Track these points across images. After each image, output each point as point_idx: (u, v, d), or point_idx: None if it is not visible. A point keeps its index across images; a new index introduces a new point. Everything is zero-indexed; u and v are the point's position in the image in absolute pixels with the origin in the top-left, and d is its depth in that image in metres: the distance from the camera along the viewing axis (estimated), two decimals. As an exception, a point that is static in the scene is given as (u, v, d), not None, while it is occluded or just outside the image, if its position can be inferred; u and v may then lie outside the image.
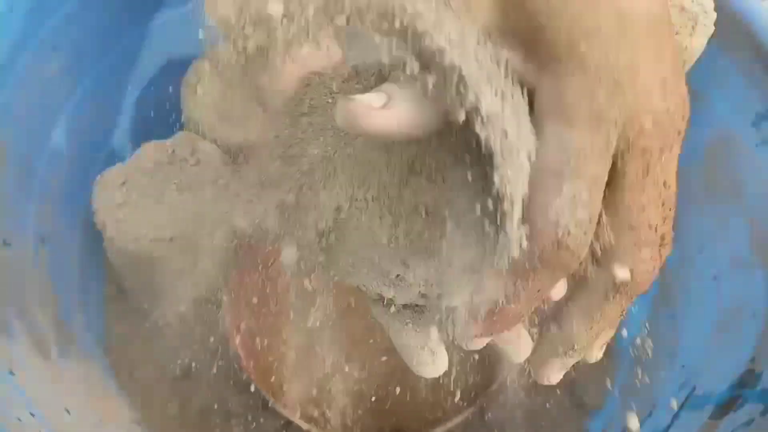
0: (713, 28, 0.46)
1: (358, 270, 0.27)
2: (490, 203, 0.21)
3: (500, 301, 0.23)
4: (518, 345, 0.29)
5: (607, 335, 0.26)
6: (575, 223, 0.21)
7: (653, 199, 0.22)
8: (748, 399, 0.47)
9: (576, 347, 0.25)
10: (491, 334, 0.24)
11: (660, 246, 0.23)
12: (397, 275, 0.26)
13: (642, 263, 0.23)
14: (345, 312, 0.55)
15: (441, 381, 0.56)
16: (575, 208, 0.20)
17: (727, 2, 0.51)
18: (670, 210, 0.23)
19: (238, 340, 0.54)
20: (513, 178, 0.20)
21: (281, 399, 0.54)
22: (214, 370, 0.62)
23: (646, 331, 0.65)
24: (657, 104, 0.21)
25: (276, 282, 0.55)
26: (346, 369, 0.55)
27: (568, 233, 0.21)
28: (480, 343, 0.25)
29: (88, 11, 0.55)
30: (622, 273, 0.23)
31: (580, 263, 0.22)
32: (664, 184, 0.22)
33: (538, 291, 0.22)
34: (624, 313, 0.25)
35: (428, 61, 0.19)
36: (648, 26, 0.21)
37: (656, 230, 0.22)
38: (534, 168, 0.21)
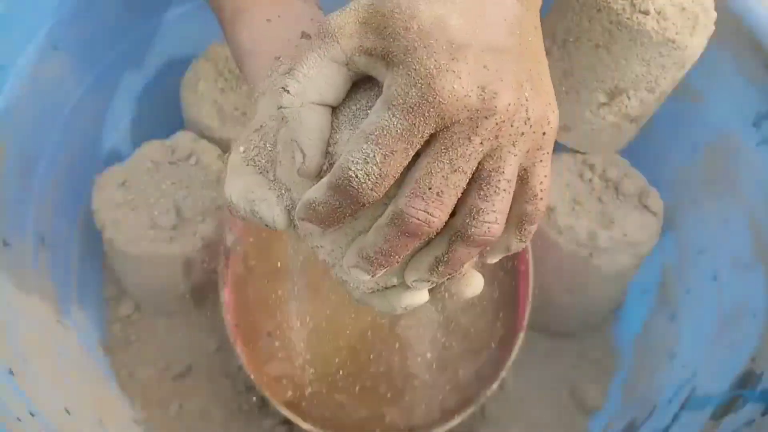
0: (713, 27, 0.46)
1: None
2: None
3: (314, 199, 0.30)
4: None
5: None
6: (365, 173, 0.29)
7: (440, 170, 0.29)
8: (748, 399, 0.47)
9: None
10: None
11: (434, 207, 0.29)
12: None
13: (413, 207, 0.29)
14: (345, 312, 0.56)
15: (442, 381, 0.57)
16: (367, 164, 0.29)
17: (727, 2, 0.52)
18: (455, 188, 0.29)
19: (238, 339, 0.54)
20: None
21: (281, 398, 0.54)
22: (214, 371, 0.62)
23: (646, 332, 0.65)
24: (468, 104, 0.28)
25: (275, 282, 0.55)
26: (348, 369, 0.55)
27: (356, 177, 0.29)
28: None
29: (89, 12, 0.55)
30: (396, 206, 0.30)
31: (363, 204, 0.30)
32: (460, 169, 0.29)
33: (336, 209, 0.30)
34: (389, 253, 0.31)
35: None
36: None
37: (437, 194, 0.29)
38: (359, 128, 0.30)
